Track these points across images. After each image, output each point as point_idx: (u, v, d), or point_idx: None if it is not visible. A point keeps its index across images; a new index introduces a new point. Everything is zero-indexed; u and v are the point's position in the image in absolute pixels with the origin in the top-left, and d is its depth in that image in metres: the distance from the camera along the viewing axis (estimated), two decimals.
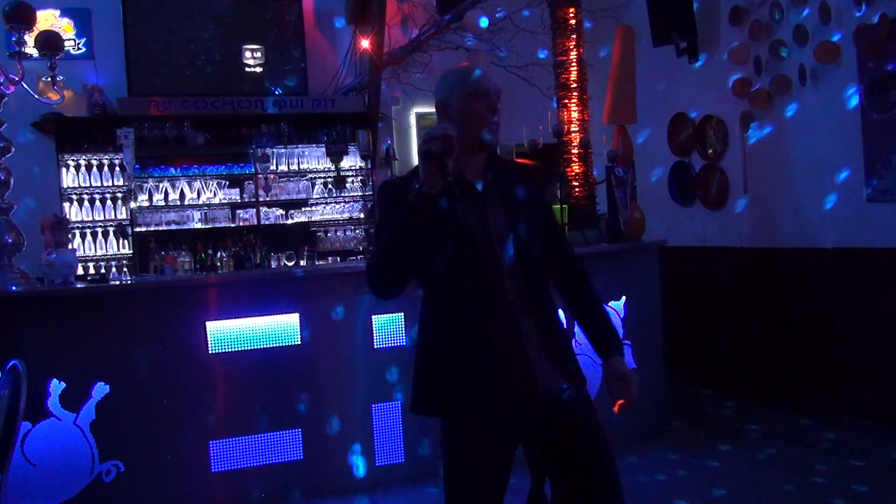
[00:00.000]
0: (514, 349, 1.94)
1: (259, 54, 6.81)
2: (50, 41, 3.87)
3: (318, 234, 6.82)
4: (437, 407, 2.00)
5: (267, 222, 6.65)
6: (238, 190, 6.61)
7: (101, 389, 3.59)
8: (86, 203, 6.27)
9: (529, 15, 6.29)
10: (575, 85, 5.36)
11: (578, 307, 2.15)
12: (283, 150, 6.75)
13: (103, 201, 6.32)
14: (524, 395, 1.94)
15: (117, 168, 6.28)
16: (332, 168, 6.80)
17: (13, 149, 3.77)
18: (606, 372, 2.06)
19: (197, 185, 6.51)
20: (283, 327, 3.87)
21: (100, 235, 6.31)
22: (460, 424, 1.97)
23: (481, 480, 1.95)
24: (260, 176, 6.61)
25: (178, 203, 6.44)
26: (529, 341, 1.96)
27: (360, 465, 3.98)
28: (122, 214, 6.34)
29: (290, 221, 6.72)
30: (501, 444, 1.97)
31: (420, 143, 1.86)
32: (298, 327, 3.90)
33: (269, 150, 6.63)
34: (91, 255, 6.24)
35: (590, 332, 2.13)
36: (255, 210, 6.62)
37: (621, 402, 2.03)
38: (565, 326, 2.10)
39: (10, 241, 3.70)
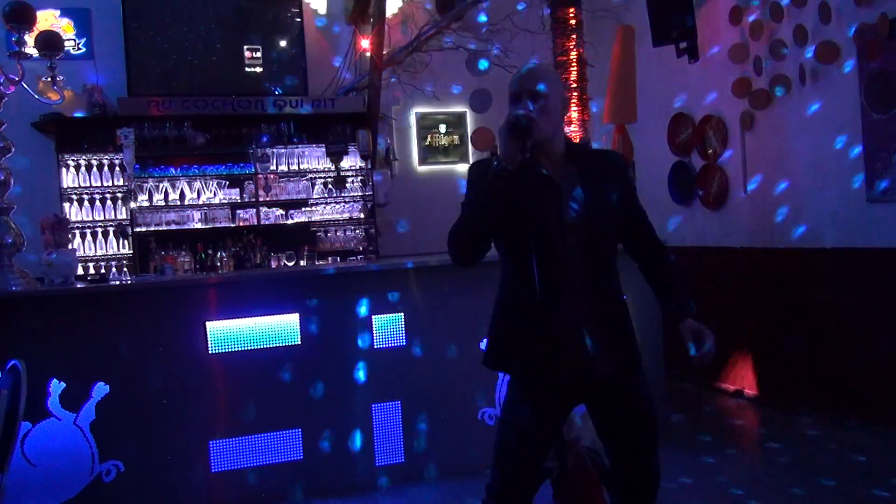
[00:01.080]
0: (572, 332, 2.13)
1: (259, 54, 6.81)
2: (50, 41, 3.87)
3: (318, 234, 6.82)
4: (502, 364, 2.26)
5: (267, 222, 6.65)
6: (238, 190, 6.61)
7: (101, 389, 3.59)
8: (86, 203, 6.27)
9: (529, 15, 6.30)
10: (575, 85, 5.36)
11: (655, 279, 2.35)
12: (283, 150, 6.75)
13: (103, 201, 6.32)
14: (580, 374, 2.14)
15: (117, 168, 6.28)
16: (332, 168, 6.80)
17: (13, 149, 3.77)
18: (683, 330, 2.24)
19: (197, 185, 6.51)
20: (283, 327, 3.88)
21: (100, 235, 6.31)
22: (525, 384, 2.20)
23: (530, 435, 2.17)
24: (260, 176, 6.61)
25: (178, 203, 6.44)
26: (587, 325, 2.14)
27: (359, 465, 3.98)
28: (122, 214, 6.34)
29: (290, 221, 6.72)
30: (553, 409, 2.20)
31: (505, 120, 2.03)
32: (298, 327, 3.90)
33: (269, 150, 6.63)
34: (91, 255, 6.24)
35: (665, 301, 2.33)
36: (255, 210, 6.62)
37: (699, 355, 2.19)
38: (625, 310, 2.31)
39: (10, 241, 3.71)
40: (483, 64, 5.83)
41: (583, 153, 2.24)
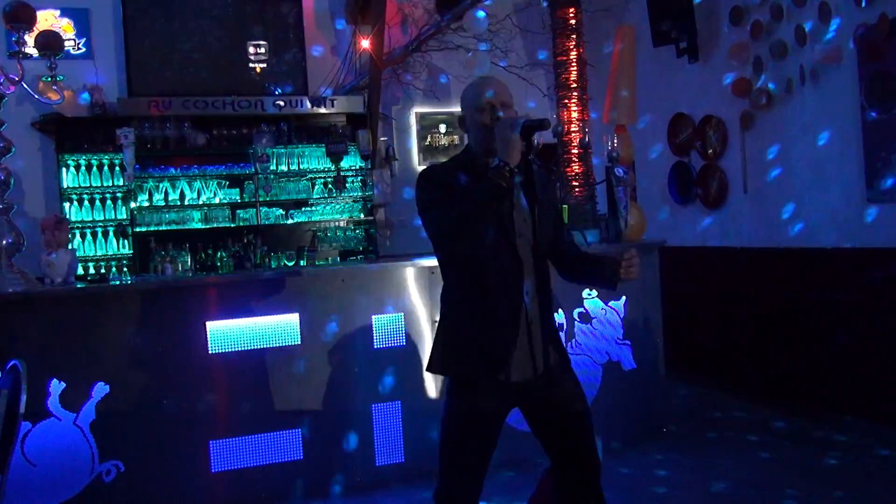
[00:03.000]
0: (526, 331, 2.24)
1: (263, 49, 6.80)
2: (50, 41, 3.86)
3: (318, 234, 6.82)
4: (452, 368, 2.31)
5: (267, 222, 6.65)
6: (238, 190, 6.61)
7: (101, 389, 3.59)
8: (86, 203, 6.27)
9: (529, 15, 6.30)
10: (575, 85, 5.36)
11: (581, 260, 2.48)
12: (283, 150, 6.75)
13: (103, 201, 6.32)
14: (528, 370, 2.24)
15: (117, 168, 6.28)
16: (332, 168, 6.80)
17: (13, 149, 3.77)
18: (612, 272, 2.32)
19: (197, 185, 6.51)
20: (283, 327, 3.87)
21: (100, 235, 6.31)
22: (469, 387, 2.25)
23: (476, 440, 2.25)
24: (260, 176, 6.61)
25: (178, 203, 6.44)
26: (535, 325, 2.26)
27: (359, 466, 3.98)
28: (122, 214, 6.34)
29: (290, 221, 6.72)
30: (500, 410, 2.28)
31: (509, 122, 2.16)
32: (298, 327, 3.90)
33: (269, 150, 6.63)
34: (91, 255, 6.24)
35: (599, 268, 2.40)
36: (255, 210, 6.62)
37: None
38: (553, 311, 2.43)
39: (10, 241, 3.70)
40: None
41: (526, 163, 2.29)
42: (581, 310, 4.39)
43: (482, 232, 2.17)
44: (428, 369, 2.36)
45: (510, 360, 2.22)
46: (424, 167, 2.43)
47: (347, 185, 6.88)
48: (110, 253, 6.32)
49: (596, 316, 4.41)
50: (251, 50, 6.76)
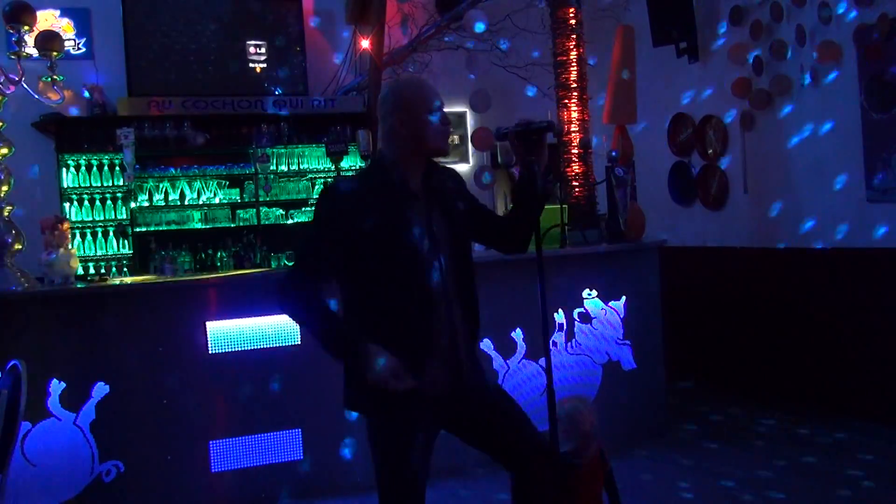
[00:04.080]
0: (449, 343, 2.14)
1: (259, 54, 6.80)
2: (50, 41, 3.87)
3: None
4: (368, 405, 2.17)
5: (267, 222, 6.65)
6: (238, 190, 6.61)
7: (101, 389, 3.59)
8: (86, 203, 6.27)
9: (529, 15, 6.29)
10: (575, 85, 5.35)
11: (511, 218, 2.35)
12: (283, 150, 6.75)
13: (103, 201, 6.31)
14: (452, 384, 2.14)
15: (117, 168, 6.28)
16: (332, 168, 6.79)
17: (13, 149, 3.77)
18: (526, 183, 2.28)
19: (197, 185, 6.51)
20: (283, 327, 3.87)
21: (100, 235, 6.31)
22: (390, 422, 2.11)
23: (412, 470, 2.09)
24: (260, 176, 6.61)
25: (178, 203, 6.44)
26: (459, 335, 2.16)
27: (359, 466, 3.98)
28: (122, 214, 6.34)
29: (290, 221, 6.72)
30: (427, 433, 2.15)
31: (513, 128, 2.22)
32: (298, 327, 3.89)
33: (269, 150, 6.62)
34: (91, 255, 6.24)
35: (521, 205, 2.31)
36: (255, 210, 6.62)
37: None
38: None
39: (9, 241, 3.71)
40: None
41: (435, 170, 2.24)
42: (581, 310, 4.39)
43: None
44: (346, 406, 2.27)
45: (429, 378, 2.08)
46: (330, 182, 2.34)
47: None
48: (110, 253, 6.31)
49: (596, 316, 4.41)
50: (251, 50, 6.76)
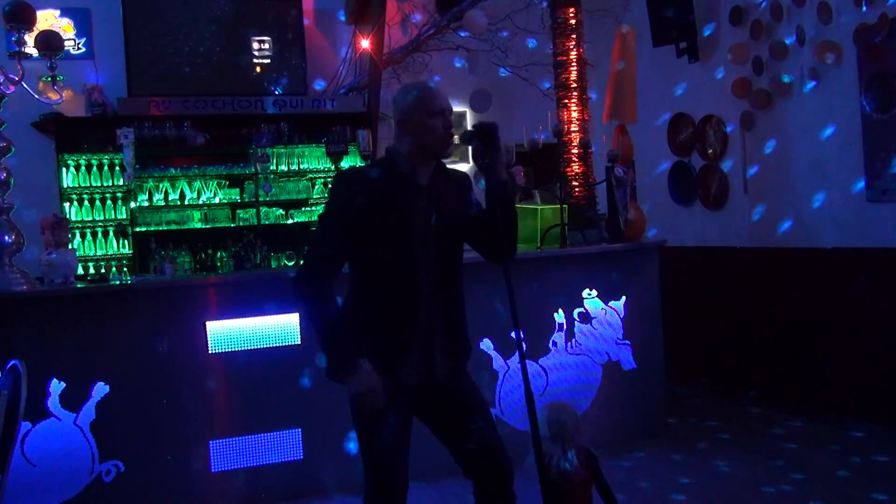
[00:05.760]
0: (424, 335, 2.28)
1: (259, 54, 6.80)
2: (50, 41, 3.86)
3: None
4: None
5: (267, 222, 6.65)
6: (238, 190, 6.61)
7: (101, 389, 3.59)
8: (86, 203, 6.27)
9: (529, 15, 6.30)
10: (575, 85, 5.35)
11: (488, 226, 2.36)
12: (283, 150, 6.75)
13: (103, 201, 6.32)
14: (425, 375, 2.29)
15: (117, 168, 6.28)
16: (332, 168, 6.79)
17: (13, 149, 3.77)
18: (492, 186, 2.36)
19: (197, 185, 6.51)
20: (283, 327, 3.87)
21: (100, 235, 6.31)
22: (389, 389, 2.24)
23: (388, 445, 2.29)
24: (260, 176, 6.61)
25: (178, 203, 6.44)
26: (436, 330, 2.30)
27: (360, 466, 3.97)
28: (122, 214, 6.34)
29: (290, 221, 6.72)
30: (401, 416, 2.31)
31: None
32: (298, 327, 3.89)
33: (269, 150, 6.62)
34: (91, 255, 6.24)
35: (487, 201, 2.38)
36: (255, 210, 6.62)
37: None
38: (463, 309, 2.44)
39: (9, 241, 3.70)
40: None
41: (445, 170, 2.40)
42: (581, 310, 4.39)
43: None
44: (327, 376, 2.36)
45: (404, 366, 2.26)
46: (344, 169, 2.47)
47: None
48: (110, 253, 6.31)
49: (596, 316, 4.41)
50: (255, 45, 6.75)
